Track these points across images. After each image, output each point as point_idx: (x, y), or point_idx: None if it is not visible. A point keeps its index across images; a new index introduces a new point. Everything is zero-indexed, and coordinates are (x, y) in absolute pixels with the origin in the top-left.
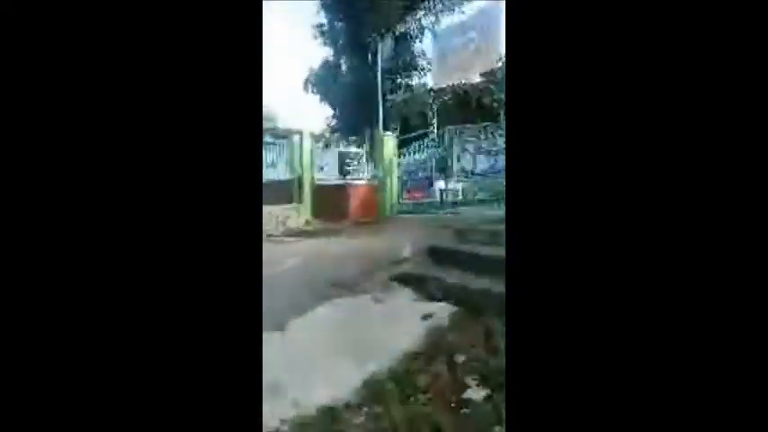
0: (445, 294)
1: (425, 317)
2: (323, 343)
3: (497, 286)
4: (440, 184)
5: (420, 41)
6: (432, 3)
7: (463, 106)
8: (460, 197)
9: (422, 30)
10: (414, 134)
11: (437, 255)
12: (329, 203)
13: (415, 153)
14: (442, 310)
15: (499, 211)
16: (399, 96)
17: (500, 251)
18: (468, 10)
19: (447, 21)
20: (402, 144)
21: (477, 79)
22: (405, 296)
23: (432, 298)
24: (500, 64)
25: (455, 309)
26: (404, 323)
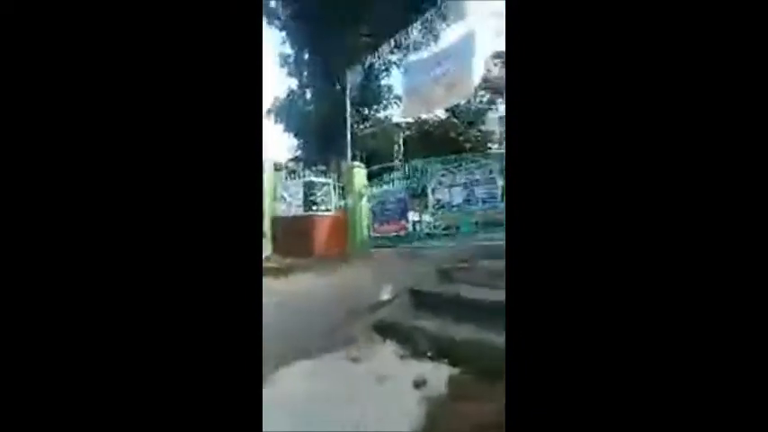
0: (437, 349)
1: (417, 384)
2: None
3: (496, 337)
4: (413, 215)
5: (388, 76)
6: (401, 40)
7: (429, 140)
8: (436, 230)
9: (390, 64)
10: (381, 165)
11: (419, 298)
12: (292, 237)
13: (383, 185)
14: (437, 373)
15: (482, 241)
16: (367, 129)
17: (493, 294)
18: (436, 48)
19: (415, 56)
20: (369, 176)
21: (442, 114)
22: (388, 352)
23: (420, 354)
24: (465, 101)
25: (453, 369)
26: (392, 392)
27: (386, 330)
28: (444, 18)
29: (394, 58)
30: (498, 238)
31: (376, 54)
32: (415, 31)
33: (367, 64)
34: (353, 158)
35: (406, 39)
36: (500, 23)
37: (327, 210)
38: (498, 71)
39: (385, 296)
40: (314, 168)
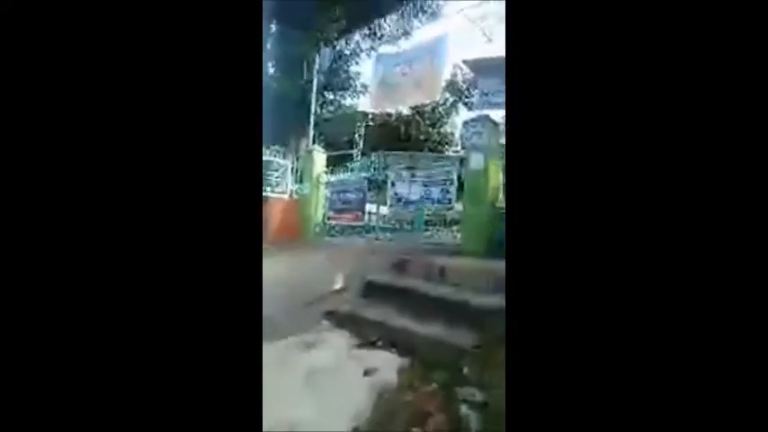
0: (388, 339)
1: (367, 372)
2: None
3: (445, 331)
4: (370, 207)
5: (357, 63)
6: (376, 29)
7: (391, 134)
8: (393, 223)
9: (359, 52)
10: (341, 152)
11: (373, 289)
12: None
13: (342, 173)
14: (388, 362)
15: (437, 238)
16: (330, 113)
17: (445, 289)
18: (406, 43)
19: (387, 48)
20: (327, 162)
21: (406, 111)
22: (339, 340)
23: (371, 343)
24: (431, 101)
25: (402, 360)
26: (343, 380)
27: (338, 319)
28: (419, 16)
29: (364, 45)
30: (449, 237)
31: (348, 38)
32: (389, 23)
33: (339, 47)
34: (314, 142)
35: (379, 29)
36: (472, 31)
37: (282, 192)
38: (464, 77)
39: (337, 285)
40: (271, 147)
